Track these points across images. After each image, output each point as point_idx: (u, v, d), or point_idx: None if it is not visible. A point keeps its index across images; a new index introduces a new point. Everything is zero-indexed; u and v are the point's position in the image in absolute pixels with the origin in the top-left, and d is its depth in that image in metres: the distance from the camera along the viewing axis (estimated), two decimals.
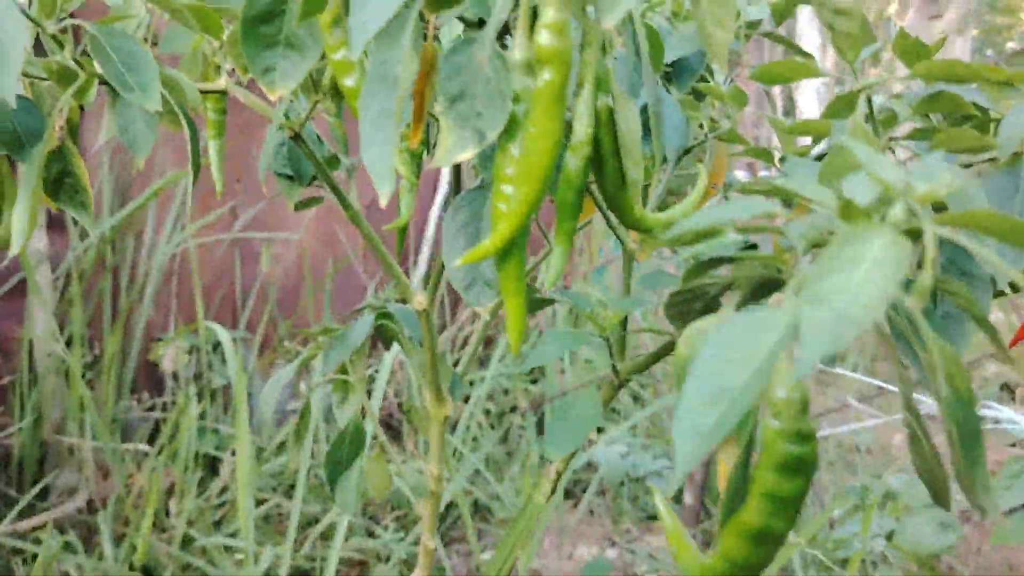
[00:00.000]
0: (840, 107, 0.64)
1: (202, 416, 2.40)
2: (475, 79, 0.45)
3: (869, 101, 0.50)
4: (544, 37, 0.43)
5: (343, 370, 0.97)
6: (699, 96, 0.77)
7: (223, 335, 1.73)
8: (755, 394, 0.28)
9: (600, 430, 2.98)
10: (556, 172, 0.47)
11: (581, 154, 0.50)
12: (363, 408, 0.95)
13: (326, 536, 2.14)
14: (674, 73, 0.73)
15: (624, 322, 0.68)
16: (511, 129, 0.45)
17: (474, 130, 0.45)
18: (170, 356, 2.62)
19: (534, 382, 3.25)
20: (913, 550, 1.94)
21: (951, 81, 0.50)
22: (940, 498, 0.44)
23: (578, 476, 2.60)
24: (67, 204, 0.72)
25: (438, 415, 0.91)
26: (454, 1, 0.52)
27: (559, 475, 0.76)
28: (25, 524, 2.00)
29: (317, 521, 2.12)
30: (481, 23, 0.56)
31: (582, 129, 0.50)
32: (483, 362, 3.20)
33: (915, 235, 0.31)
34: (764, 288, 0.47)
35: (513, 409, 3.07)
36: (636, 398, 3.02)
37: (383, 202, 0.49)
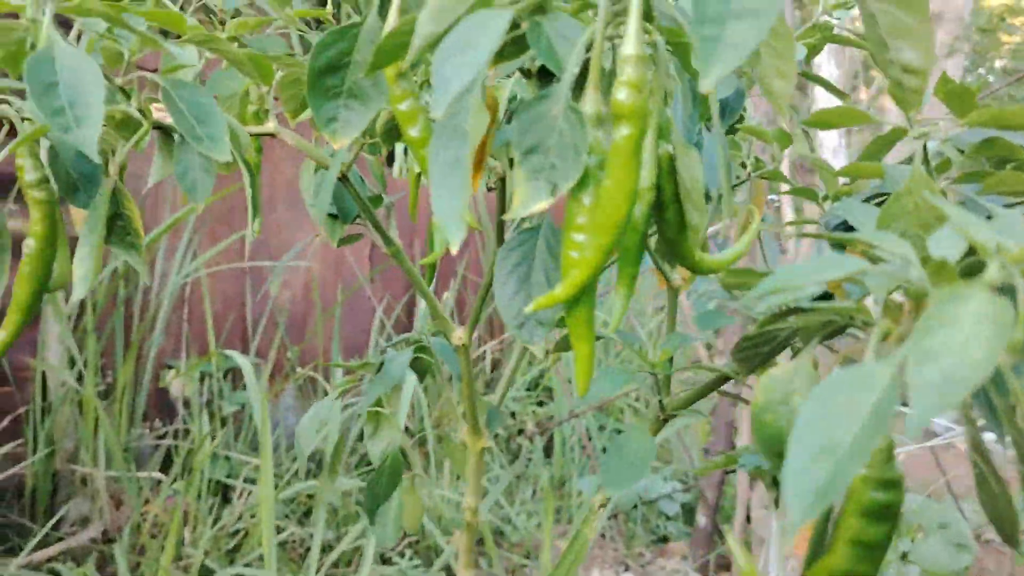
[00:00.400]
0: (878, 148, 0.65)
1: (212, 439, 2.40)
2: (549, 132, 0.47)
3: (924, 147, 0.51)
4: (623, 94, 0.44)
5: (376, 402, 0.98)
6: (732, 133, 0.79)
7: (244, 364, 1.73)
8: (868, 450, 0.29)
9: (607, 452, 2.98)
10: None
11: (644, 200, 0.52)
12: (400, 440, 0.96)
13: (338, 564, 2.14)
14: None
15: (671, 359, 0.69)
16: (583, 180, 0.47)
17: (547, 181, 0.47)
18: (178, 384, 2.62)
19: (540, 404, 3.26)
20: (930, 571, 1.94)
21: (1004, 128, 0.52)
22: (1009, 536, 0.45)
23: (585, 499, 2.60)
24: (118, 245, 0.73)
25: (475, 447, 0.92)
26: (515, 54, 0.54)
27: (603, 507, 0.77)
28: (40, 555, 2.00)
29: (332, 548, 2.12)
30: (540, 73, 0.57)
31: (646, 176, 0.51)
32: (489, 385, 3.21)
33: (1007, 291, 0.33)
34: (828, 334, 0.48)
35: (520, 432, 3.07)
36: None
37: (454, 250, 0.50)
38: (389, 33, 0.51)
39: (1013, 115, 0.50)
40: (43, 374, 2.20)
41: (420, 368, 0.98)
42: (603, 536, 2.60)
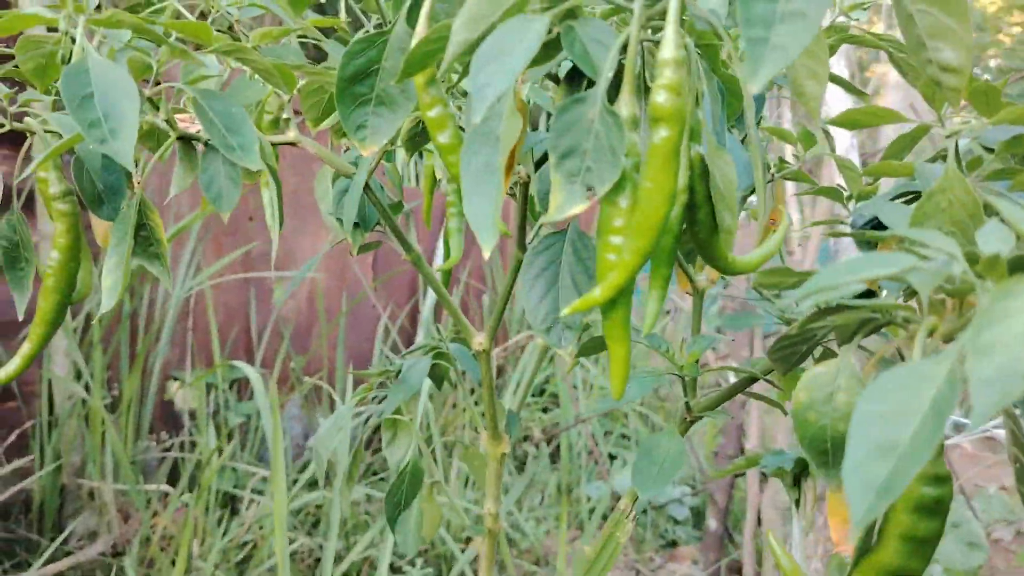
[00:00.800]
0: (900, 147, 0.66)
1: (219, 453, 2.40)
2: (585, 135, 0.47)
3: (956, 145, 0.52)
4: (662, 96, 0.44)
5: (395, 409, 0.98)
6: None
7: (251, 373, 1.73)
8: (930, 446, 0.30)
9: (613, 457, 2.99)
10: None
11: (678, 202, 0.52)
12: (419, 447, 0.96)
13: (348, 574, 2.13)
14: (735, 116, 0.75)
15: (697, 360, 0.69)
16: (619, 183, 0.47)
17: (583, 185, 0.47)
18: (183, 395, 2.62)
19: (545, 411, 3.26)
20: (948, 569, 1.94)
21: None
22: None
23: (595, 505, 2.60)
24: (141, 256, 0.73)
25: (495, 453, 0.92)
26: (544, 60, 0.54)
27: (632, 510, 0.77)
28: (49, 569, 1.99)
29: (342, 559, 2.12)
30: (568, 79, 0.58)
31: (679, 178, 0.52)
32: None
33: None
34: (866, 332, 0.49)
35: (527, 439, 3.07)
36: (654, 428, 3.02)
37: (486, 254, 0.50)
38: (420, 41, 0.51)
39: None
40: (49, 388, 2.20)
41: (437, 375, 0.98)
42: None
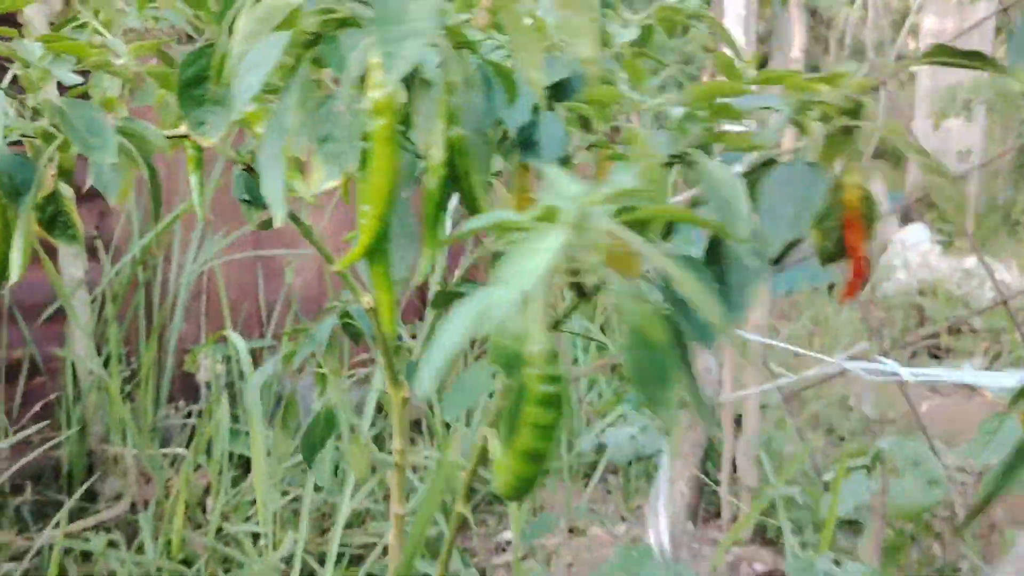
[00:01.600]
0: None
1: (235, 419, 2.57)
2: (337, 125, 0.59)
3: (649, 116, 0.62)
4: (376, 93, 0.56)
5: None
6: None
7: (240, 343, 1.90)
8: (460, 347, 0.42)
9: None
10: (410, 189, 0.61)
11: (437, 175, 0.64)
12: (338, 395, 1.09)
13: (351, 524, 2.30)
14: (558, 93, 0.86)
15: None
16: (364, 162, 0.59)
17: (338, 164, 0.59)
18: (205, 366, 2.80)
19: None
20: (903, 508, 2.03)
21: (726, 96, 0.62)
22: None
23: (591, 458, 2.72)
24: (60, 237, 0.88)
25: (397, 397, 1.05)
26: (323, 65, 0.66)
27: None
28: (76, 526, 2.19)
29: (336, 511, 2.28)
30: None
31: (437, 155, 0.64)
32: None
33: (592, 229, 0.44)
34: None
35: None
36: None
37: (277, 224, 0.63)
38: (219, 53, 0.63)
39: (725, 87, 0.61)
40: (72, 364, 2.39)
41: (353, 332, 1.11)
42: (608, 492, 2.73)
